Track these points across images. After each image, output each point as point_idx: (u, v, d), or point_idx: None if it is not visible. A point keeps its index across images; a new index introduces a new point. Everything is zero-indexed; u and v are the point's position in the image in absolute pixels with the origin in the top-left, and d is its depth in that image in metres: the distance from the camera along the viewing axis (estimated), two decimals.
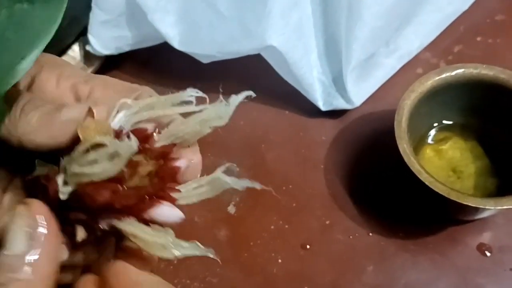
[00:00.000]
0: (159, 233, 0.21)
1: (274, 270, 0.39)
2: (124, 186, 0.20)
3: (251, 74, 0.47)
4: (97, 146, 0.19)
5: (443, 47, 0.48)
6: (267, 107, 0.47)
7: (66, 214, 0.21)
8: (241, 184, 0.21)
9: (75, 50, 0.46)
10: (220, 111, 0.21)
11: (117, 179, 0.20)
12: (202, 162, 0.46)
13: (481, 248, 0.39)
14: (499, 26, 0.49)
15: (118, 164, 0.19)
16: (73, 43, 0.46)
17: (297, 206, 0.42)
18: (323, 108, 0.45)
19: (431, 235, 0.40)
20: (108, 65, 0.48)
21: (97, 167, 0.19)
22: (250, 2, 0.41)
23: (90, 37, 0.44)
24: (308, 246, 0.40)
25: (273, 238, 0.40)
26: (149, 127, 0.21)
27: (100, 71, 0.48)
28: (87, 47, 0.45)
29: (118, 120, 0.21)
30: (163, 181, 0.21)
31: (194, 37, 0.43)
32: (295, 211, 0.42)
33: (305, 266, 0.39)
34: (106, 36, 0.44)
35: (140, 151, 0.20)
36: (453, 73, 0.39)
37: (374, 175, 0.43)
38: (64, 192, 0.20)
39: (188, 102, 0.21)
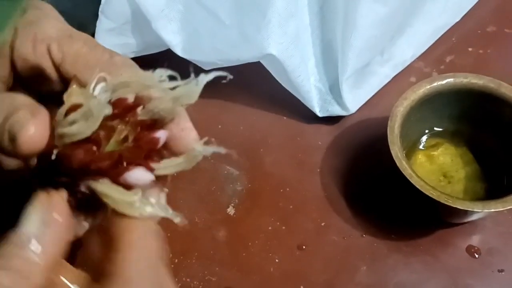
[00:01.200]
0: (127, 192, 0.21)
1: (271, 270, 0.41)
2: (100, 148, 0.21)
3: (250, 80, 0.49)
4: (77, 108, 0.21)
5: (435, 56, 0.50)
6: (266, 112, 0.48)
7: (53, 177, 0.22)
8: (209, 150, 0.22)
9: None
10: (190, 89, 0.22)
11: (94, 141, 0.21)
12: (203, 165, 0.47)
13: (470, 250, 0.41)
14: (490, 37, 0.51)
15: (93, 123, 0.20)
16: None
17: (294, 208, 0.43)
18: (319, 114, 0.46)
19: (422, 237, 0.41)
20: None
21: (74, 127, 0.20)
22: (250, 11, 0.43)
23: None
24: (304, 247, 0.42)
25: (271, 238, 0.42)
26: (129, 97, 0.22)
27: None
28: None
29: (97, 91, 0.22)
30: (141, 150, 0.22)
31: (196, 45, 0.45)
32: (291, 213, 0.43)
33: (301, 266, 0.41)
34: (112, 43, 0.46)
35: (117, 116, 0.21)
36: (444, 82, 0.41)
37: (368, 179, 0.44)
38: (53, 153, 0.21)
39: (161, 81, 0.22)
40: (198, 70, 0.23)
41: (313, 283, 0.40)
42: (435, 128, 0.44)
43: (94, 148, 0.21)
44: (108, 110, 0.21)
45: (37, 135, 0.20)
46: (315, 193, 0.44)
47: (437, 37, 0.50)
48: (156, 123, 0.23)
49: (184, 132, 0.23)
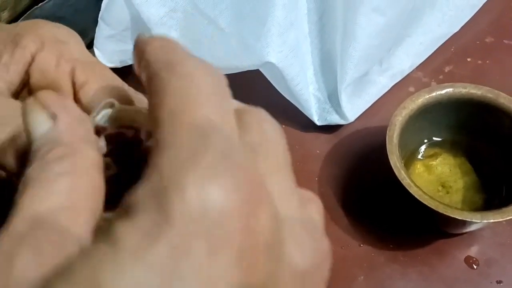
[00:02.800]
0: None
1: None
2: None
3: (249, 88, 0.49)
4: None
5: (434, 67, 0.50)
6: None
7: None
8: None
9: None
10: None
11: None
12: None
13: (469, 261, 0.41)
14: (488, 48, 0.51)
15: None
16: None
17: None
18: (318, 123, 0.46)
19: (420, 247, 0.41)
20: None
21: None
22: (249, 20, 0.43)
23: (96, 50, 0.46)
24: None
25: None
26: (129, 133, 0.21)
27: None
28: None
29: (101, 117, 0.21)
30: None
31: (196, 52, 0.44)
32: None
33: None
34: (111, 49, 0.46)
35: (108, 154, 0.20)
36: (443, 91, 0.41)
37: (366, 188, 0.44)
38: None
39: None
40: None
41: None
42: (434, 138, 0.44)
43: None
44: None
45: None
46: None
47: (436, 48, 0.50)
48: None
49: None
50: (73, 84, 0.23)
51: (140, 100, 0.23)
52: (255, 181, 0.14)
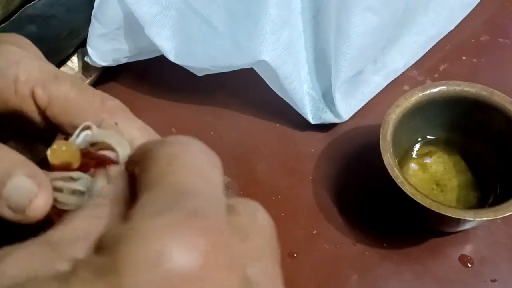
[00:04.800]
0: None
1: None
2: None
3: (243, 87, 0.49)
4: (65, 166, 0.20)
5: (429, 65, 0.50)
6: (258, 119, 0.48)
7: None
8: None
9: (73, 61, 0.47)
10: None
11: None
12: None
13: (463, 259, 0.40)
14: (483, 47, 0.51)
15: (81, 202, 0.20)
16: (72, 54, 0.47)
17: (285, 216, 0.43)
18: (312, 121, 0.46)
19: (414, 246, 0.41)
20: (106, 76, 0.50)
21: (61, 195, 0.20)
22: (243, 18, 0.43)
23: (89, 49, 0.45)
24: (295, 255, 0.41)
25: None
26: (112, 155, 0.21)
27: (97, 82, 0.49)
28: (86, 59, 0.47)
29: (81, 141, 0.21)
30: None
31: (189, 51, 0.45)
32: (283, 220, 0.43)
33: (291, 274, 0.40)
34: (104, 48, 0.46)
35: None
36: (437, 89, 0.41)
37: (360, 187, 0.44)
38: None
39: None
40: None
41: None
42: (428, 136, 0.44)
43: None
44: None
45: (47, 206, 0.19)
46: (307, 201, 0.44)
47: (430, 47, 0.50)
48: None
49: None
50: (37, 106, 0.22)
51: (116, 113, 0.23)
52: (225, 249, 0.14)
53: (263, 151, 0.47)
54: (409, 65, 0.49)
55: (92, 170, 0.21)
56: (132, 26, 0.44)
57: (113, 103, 0.23)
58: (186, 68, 0.45)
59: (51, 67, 0.24)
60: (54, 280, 0.14)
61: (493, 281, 0.39)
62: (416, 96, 0.41)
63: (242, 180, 0.45)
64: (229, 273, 0.14)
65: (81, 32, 0.45)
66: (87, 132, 0.21)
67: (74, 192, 0.20)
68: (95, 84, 0.49)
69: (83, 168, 0.21)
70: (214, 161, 0.17)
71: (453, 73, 0.49)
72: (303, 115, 0.46)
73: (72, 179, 0.20)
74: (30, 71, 0.22)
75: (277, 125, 0.48)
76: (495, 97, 0.40)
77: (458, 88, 0.41)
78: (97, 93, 0.23)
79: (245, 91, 0.49)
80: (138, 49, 0.47)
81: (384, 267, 0.40)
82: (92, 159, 0.21)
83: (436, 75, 0.49)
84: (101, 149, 0.21)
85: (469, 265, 0.40)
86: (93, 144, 0.22)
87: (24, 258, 0.15)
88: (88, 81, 0.48)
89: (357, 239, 0.42)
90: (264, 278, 0.16)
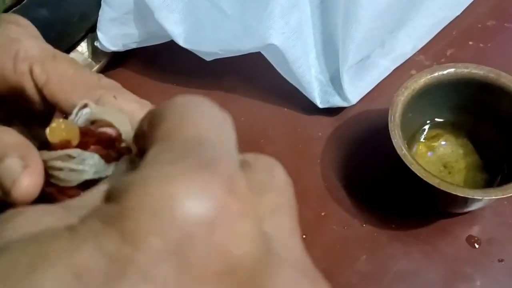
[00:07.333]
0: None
1: None
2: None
3: (251, 72, 0.49)
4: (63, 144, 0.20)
5: (436, 50, 0.50)
6: (267, 104, 0.48)
7: None
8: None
9: (83, 46, 0.48)
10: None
11: (79, 186, 0.21)
12: None
13: (470, 240, 0.41)
14: (490, 31, 0.51)
15: (80, 177, 0.20)
16: (82, 39, 0.48)
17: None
18: (320, 105, 0.46)
19: (422, 227, 0.41)
20: (115, 62, 0.50)
21: (61, 174, 0.20)
22: (252, 2, 0.43)
23: (98, 33, 0.46)
24: (304, 236, 0.41)
25: None
26: (112, 132, 0.22)
27: (106, 67, 0.50)
28: (95, 43, 0.47)
29: (80, 119, 0.22)
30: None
31: (198, 35, 0.45)
32: None
33: None
34: (114, 33, 0.46)
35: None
36: (445, 72, 0.41)
37: (368, 169, 0.44)
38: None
39: None
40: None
41: None
42: (436, 119, 0.44)
43: (79, 192, 0.21)
44: (103, 173, 0.21)
45: (31, 187, 0.19)
46: (316, 183, 0.44)
47: (437, 31, 0.50)
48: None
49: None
50: (35, 83, 0.23)
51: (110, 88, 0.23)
52: (240, 197, 0.13)
53: (271, 135, 0.47)
54: (417, 49, 0.49)
55: (91, 147, 0.21)
56: (141, 10, 0.45)
57: (109, 80, 0.23)
58: (195, 52, 0.46)
59: (49, 46, 0.24)
60: (62, 230, 0.13)
61: (500, 260, 0.40)
62: (424, 78, 0.41)
63: None
64: (245, 221, 0.13)
65: (91, 16, 0.46)
66: (86, 110, 0.22)
67: (73, 169, 0.20)
68: (104, 70, 0.49)
69: (83, 146, 0.21)
70: (225, 117, 0.16)
71: (459, 58, 0.50)
72: (311, 99, 0.46)
73: (70, 157, 0.20)
74: (29, 49, 0.23)
75: (285, 109, 0.48)
76: (502, 79, 0.40)
77: (466, 70, 0.41)
78: (93, 72, 0.24)
79: (253, 76, 0.49)
80: (147, 34, 0.47)
81: (393, 247, 0.41)
82: (92, 137, 0.21)
83: (443, 60, 0.50)
84: (101, 126, 0.22)
85: (477, 246, 0.41)
86: (93, 122, 0.22)
87: (37, 215, 0.14)
88: (97, 66, 0.48)
89: (365, 221, 0.42)
90: (282, 232, 0.16)
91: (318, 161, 0.45)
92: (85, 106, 0.22)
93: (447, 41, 0.51)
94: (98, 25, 0.45)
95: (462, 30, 0.51)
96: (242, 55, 0.45)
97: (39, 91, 0.23)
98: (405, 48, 0.48)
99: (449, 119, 0.44)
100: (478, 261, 0.40)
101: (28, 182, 0.19)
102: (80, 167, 0.20)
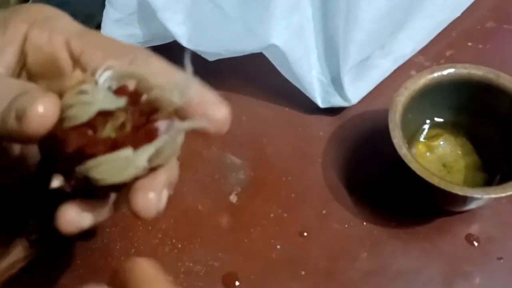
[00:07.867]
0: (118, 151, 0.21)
1: (273, 256, 0.41)
2: (96, 134, 0.21)
3: (253, 72, 0.50)
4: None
5: (436, 51, 0.51)
6: (268, 103, 0.49)
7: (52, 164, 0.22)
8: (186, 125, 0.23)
9: None
10: (189, 81, 0.24)
11: (90, 126, 0.21)
12: (206, 155, 0.47)
13: (469, 238, 0.41)
14: (489, 33, 0.52)
15: (89, 108, 0.21)
16: None
17: (296, 196, 0.44)
18: (321, 105, 0.47)
19: (422, 225, 0.42)
20: None
21: (71, 111, 0.21)
22: (253, 3, 0.44)
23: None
24: (305, 234, 0.42)
25: (273, 225, 0.43)
26: (130, 85, 0.23)
27: None
28: None
29: (103, 79, 0.22)
30: (137, 137, 0.22)
31: (201, 36, 0.46)
32: (293, 201, 0.44)
33: (302, 252, 0.41)
34: (118, 34, 0.47)
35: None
36: (445, 72, 0.42)
37: (368, 168, 0.45)
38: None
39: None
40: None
41: (313, 268, 0.41)
42: (435, 119, 0.45)
43: (90, 132, 0.21)
44: (113, 104, 0.21)
45: (46, 113, 0.20)
46: (317, 182, 0.45)
47: (437, 32, 0.51)
48: (156, 112, 0.23)
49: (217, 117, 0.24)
50: (71, 55, 0.24)
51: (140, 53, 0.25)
52: None
53: (273, 134, 0.48)
54: (417, 50, 0.50)
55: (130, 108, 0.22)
56: (145, 11, 0.45)
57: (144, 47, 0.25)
58: (198, 53, 0.46)
59: (83, 27, 0.26)
60: None
61: (499, 258, 0.40)
62: (424, 79, 0.41)
63: (253, 163, 0.46)
64: None
65: (96, 17, 0.46)
66: (109, 72, 0.22)
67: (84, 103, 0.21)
68: None
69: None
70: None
71: (459, 59, 0.50)
72: (312, 99, 0.47)
73: (83, 92, 0.21)
74: (64, 24, 0.24)
75: (287, 109, 0.49)
76: (501, 80, 0.41)
77: (465, 71, 0.42)
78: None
79: (255, 76, 0.50)
80: (151, 35, 0.48)
81: (392, 245, 0.41)
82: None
83: (442, 61, 0.50)
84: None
85: (476, 244, 0.41)
86: (119, 83, 0.23)
87: None
88: None
89: (365, 219, 0.43)
90: None
91: (319, 160, 0.46)
92: (109, 68, 0.22)
93: (447, 42, 0.51)
94: (102, 26, 0.46)
95: (461, 32, 0.52)
96: (244, 55, 0.45)
97: (74, 62, 0.24)
98: (405, 49, 0.49)
99: (449, 119, 0.44)
100: (477, 259, 0.40)
101: (43, 108, 0.20)
102: (90, 97, 0.21)
